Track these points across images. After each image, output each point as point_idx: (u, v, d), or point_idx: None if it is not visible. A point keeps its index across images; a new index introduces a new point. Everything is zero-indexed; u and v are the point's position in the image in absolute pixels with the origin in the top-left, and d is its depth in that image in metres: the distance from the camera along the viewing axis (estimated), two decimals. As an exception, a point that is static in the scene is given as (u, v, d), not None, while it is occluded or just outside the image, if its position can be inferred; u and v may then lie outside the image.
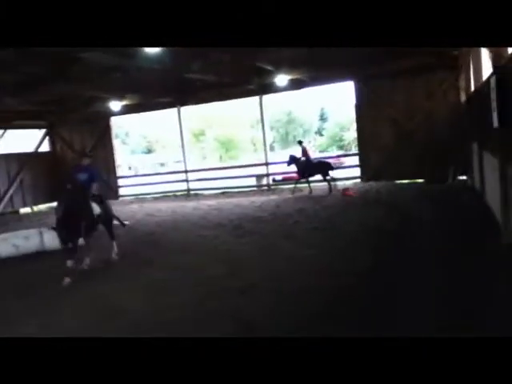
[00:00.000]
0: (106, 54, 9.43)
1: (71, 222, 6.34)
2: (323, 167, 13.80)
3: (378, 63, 13.05)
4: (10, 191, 17.40)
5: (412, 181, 14.11)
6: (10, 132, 18.31)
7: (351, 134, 34.57)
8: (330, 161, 14.68)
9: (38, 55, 8.81)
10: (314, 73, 14.09)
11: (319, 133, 45.50)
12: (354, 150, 21.80)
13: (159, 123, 38.82)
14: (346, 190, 12.80)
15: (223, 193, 16.68)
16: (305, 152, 14.21)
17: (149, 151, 45.31)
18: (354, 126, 16.47)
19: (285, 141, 43.61)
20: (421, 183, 13.57)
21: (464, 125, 11.68)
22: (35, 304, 5.43)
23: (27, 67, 9.92)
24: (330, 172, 13.76)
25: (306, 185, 14.21)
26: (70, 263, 6.31)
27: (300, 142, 14.62)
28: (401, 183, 14.01)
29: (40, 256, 8.25)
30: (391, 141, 14.22)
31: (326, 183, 13.84)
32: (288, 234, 8.22)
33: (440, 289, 4.57)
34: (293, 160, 14.25)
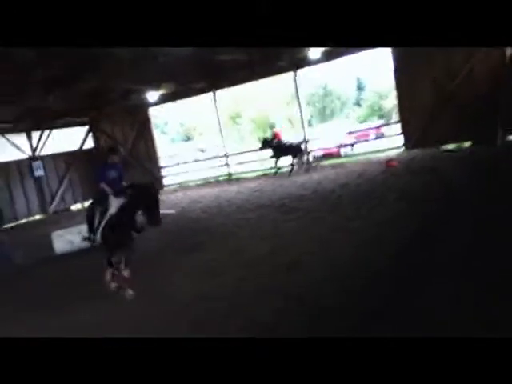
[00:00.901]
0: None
1: (124, 227, 5.55)
2: (293, 149, 14.92)
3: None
4: (61, 190, 18.23)
5: (459, 144, 13.54)
6: (56, 132, 18.96)
7: (391, 102, 33.47)
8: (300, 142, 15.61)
9: (67, 52, 8.98)
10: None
11: (357, 103, 44.32)
12: (395, 118, 21.14)
13: (196, 109, 39.07)
14: (389, 161, 12.45)
15: (264, 174, 16.68)
16: (276, 135, 15.31)
17: (188, 138, 45.81)
18: (393, 93, 15.93)
19: (322, 115, 42.80)
20: (468, 147, 13.00)
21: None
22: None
23: (59, 64, 10.12)
24: (300, 154, 14.85)
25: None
26: (110, 274, 5.84)
27: (271, 127, 15.21)
28: (447, 148, 13.47)
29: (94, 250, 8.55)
30: (433, 104, 13.62)
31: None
32: (332, 209, 8.17)
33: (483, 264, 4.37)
34: (266, 143, 15.30)
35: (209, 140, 38.28)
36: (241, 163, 18.19)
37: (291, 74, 16.24)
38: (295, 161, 14.85)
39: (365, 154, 16.16)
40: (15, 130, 16.82)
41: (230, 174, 17.69)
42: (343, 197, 9.15)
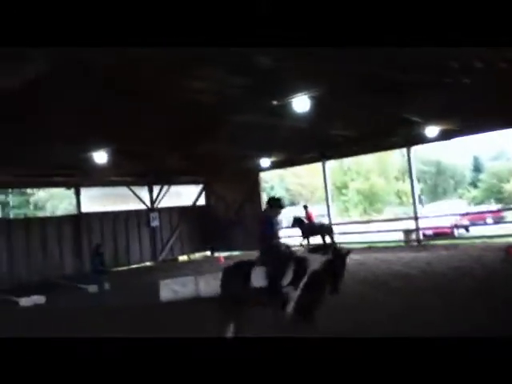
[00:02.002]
0: (256, 114, 10.18)
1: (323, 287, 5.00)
2: (323, 229, 15.55)
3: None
4: (171, 240, 19.45)
5: None
6: (174, 188, 20.55)
7: (512, 186, 31.11)
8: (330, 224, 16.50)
9: (188, 118, 9.89)
10: (468, 122, 13.19)
11: (473, 184, 41.81)
12: (518, 203, 19.53)
13: (303, 176, 39.95)
14: (510, 247, 11.33)
15: (369, 247, 16.18)
16: (309, 216, 16.03)
17: (292, 204, 46.52)
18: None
19: (434, 193, 40.93)
20: None
21: None
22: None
23: (189, 129, 11.10)
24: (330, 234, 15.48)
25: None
26: None
27: (305, 207, 16.63)
28: None
29: (199, 301, 8.60)
30: None
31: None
32: (442, 296, 7.53)
33: None
34: (297, 222, 15.75)
35: (313, 208, 38.50)
36: (344, 233, 17.91)
37: (403, 149, 16.05)
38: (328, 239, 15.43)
39: (481, 237, 15.01)
40: (139, 183, 18.62)
41: (333, 243, 17.45)
42: (455, 282, 8.46)
